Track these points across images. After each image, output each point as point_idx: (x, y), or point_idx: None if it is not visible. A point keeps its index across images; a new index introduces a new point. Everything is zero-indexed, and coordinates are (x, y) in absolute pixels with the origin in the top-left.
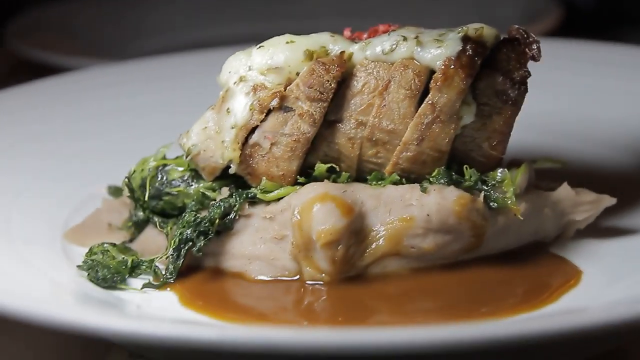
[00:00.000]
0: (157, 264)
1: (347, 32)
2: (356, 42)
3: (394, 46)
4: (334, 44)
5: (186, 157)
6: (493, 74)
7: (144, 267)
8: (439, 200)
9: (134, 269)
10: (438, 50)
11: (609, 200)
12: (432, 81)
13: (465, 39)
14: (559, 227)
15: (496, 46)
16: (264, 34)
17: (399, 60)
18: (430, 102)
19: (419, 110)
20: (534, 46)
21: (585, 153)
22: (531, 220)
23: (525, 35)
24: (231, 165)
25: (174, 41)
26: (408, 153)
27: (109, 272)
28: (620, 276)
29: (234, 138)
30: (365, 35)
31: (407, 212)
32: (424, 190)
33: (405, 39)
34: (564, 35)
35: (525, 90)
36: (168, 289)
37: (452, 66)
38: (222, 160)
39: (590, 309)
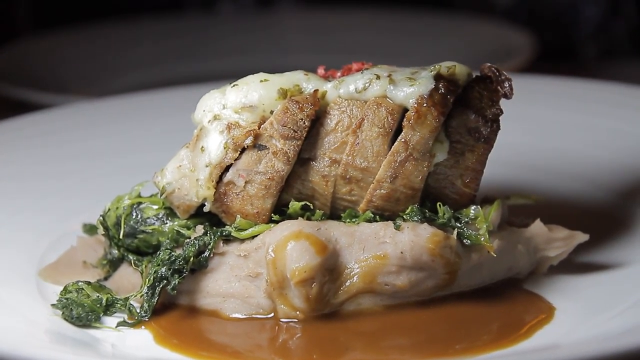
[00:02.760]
0: (131, 302)
1: (320, 70)
2: (330, 81)
3: (367, 84)
4: (307, 82)
5: (161, 195)
6: (465, 111)
7: (118, 305)
8: (412, 238)
9: (108, 308)
10: (411, 88)
11: (581, 237)
12: (405, 119)
13: (438, 77)
14: (533, 263)
15: (469, 84)
16: (238, 70)
17: (372, 99)
18: (403, 140)
19: (392, 148)
20: (506, 84)
21: (559, 188)
22: (504, 257)
23: (498, 73)
24: (206, 203)
25: (149, 78)
26: (382, 191)
27: (83, 310)
28: (593, 312)
29: (208, 176)
30: (338, 74)
31: (381, 249)
32: (397, 227)
33: (378, 77)
34: (537, 71)
35: (498, 128)
36: (143, 327)
37: (425, 104)
38: (196, 199)
39: (563, 346)
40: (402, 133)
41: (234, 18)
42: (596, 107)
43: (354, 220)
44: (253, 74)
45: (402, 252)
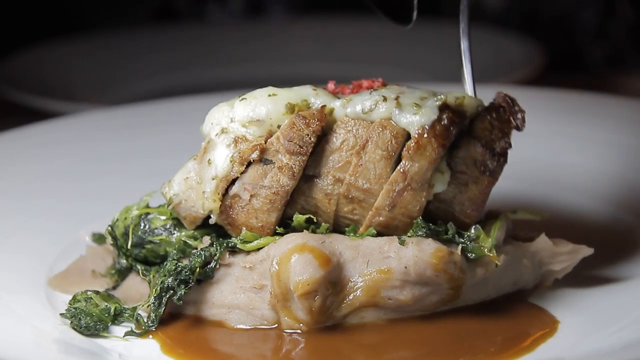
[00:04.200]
0: (139, 312)
1: (330, 85)
2: (338, 98)
3: (373, 106)
4: (315, 97)
5: (168, 206)
6: (474, 142)
7: (126, 315)
8: (416, 253)
9: (116, 317)
10: (415, 116)
11: (586, 251)
12: (405, 149)
13: (444, 107)
14: (537, 277)
15: (479, 113)
16: (247, 79)
17: (378, 121)
18: (401, 170)
19: (390, 177)
20: (519, 116)
21: (564, 202)
22: (510, 272)
23: (512, 104)
24: (211, 215)
25: (161, 86)
26: (380, 218)
27: (91, 320)
28: (597, 326)
29: (215, 189)
30: (348, 90)
31: (385, 264)
32: (402, 242)
33: (385, 99)
34: (547, 82)
35: (505, 162)
36: (150, 336)
37: (426, 135)
38: (202, 211)
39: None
40: (401, 163)
41: (240, 27)
42: (603, 121)
43: (357, 236)
44: (261, 83)
45: (406, 267)
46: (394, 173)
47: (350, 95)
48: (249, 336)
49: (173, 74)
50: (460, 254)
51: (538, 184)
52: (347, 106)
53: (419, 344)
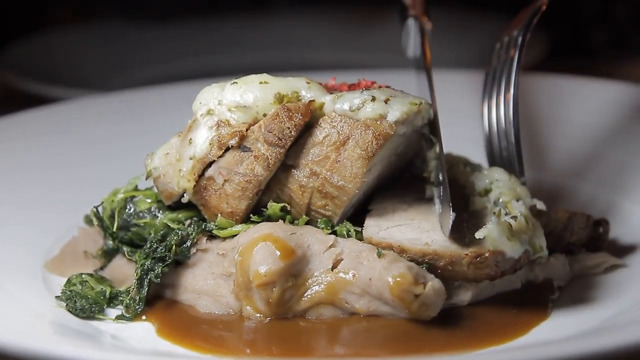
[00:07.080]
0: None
1: (331, 81)
2: (331, 93)
3: (361, 105)
4: (307, 91)
5: (146, 178)
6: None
7: (121, 298)
8: (382, 270)
9: (112, 300)
10: (508, 241)
11: (613, 260)
12: (468, 254)
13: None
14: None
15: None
16: (254, 67)
17: (363, 120)
18: (443, 263)
19: (430, 249)
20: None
21: (566, 187)
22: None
23: (603, 238)
24: (185, 194)
25: (166, 71)
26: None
27: (87, 302)
28: (590, 310)
29: (191, 169)
30: (346, 88)
31: (355, 267)
32: (379, 254)
33: (373, 99)
34: (552, 68)
35: (506, 275)
36: (144, 317)
37: (487, 265)
38: (177, 188)
39: (559, 342)
40: (445, 245)
41: (249, 15)
42: (607, 107)
43: (328, 229)
44: (267, 70)
45: (370, 279)
46: (435, 249)
47: (341, 92)
48: (233, 321)
49: (179, 61)
50: (431, 290)
51: (541, 169)
52: (336, 102)
53: (389, 330)
